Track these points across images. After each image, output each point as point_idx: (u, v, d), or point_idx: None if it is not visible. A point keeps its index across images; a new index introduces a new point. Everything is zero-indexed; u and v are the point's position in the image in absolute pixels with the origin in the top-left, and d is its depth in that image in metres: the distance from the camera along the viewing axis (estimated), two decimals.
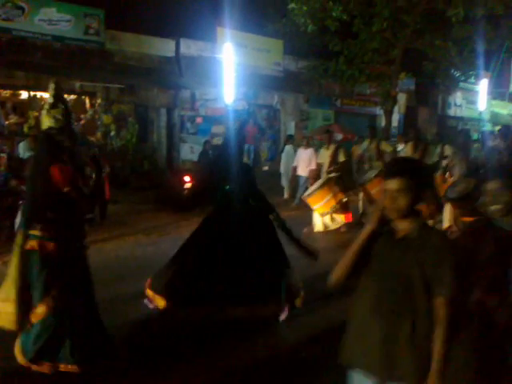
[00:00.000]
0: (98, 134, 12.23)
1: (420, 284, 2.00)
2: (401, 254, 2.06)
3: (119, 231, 8.07)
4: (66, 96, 12.33)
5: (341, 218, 8.09)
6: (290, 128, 15.67)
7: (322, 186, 7.86)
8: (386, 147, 8.60)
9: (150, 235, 8.04)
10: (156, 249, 7.17)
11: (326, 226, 8.11)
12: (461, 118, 21.25)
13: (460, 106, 21.10)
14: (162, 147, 13.21)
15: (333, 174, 8.13)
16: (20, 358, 3.45)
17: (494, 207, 2.31)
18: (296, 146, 12.08)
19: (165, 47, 13.20)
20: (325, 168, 8.47)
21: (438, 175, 7.71)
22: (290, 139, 12.25)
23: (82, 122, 12.34)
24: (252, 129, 14.86)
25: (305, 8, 11.75)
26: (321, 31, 12.69)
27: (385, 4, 11.58)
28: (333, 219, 8.10)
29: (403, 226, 2.07)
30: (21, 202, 7.59)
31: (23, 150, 9.59)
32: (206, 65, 13.22)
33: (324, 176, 8.31)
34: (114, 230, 7.97)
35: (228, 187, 4.67)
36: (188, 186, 10.72)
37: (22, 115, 11.73)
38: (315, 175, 9.23)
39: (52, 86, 3.48)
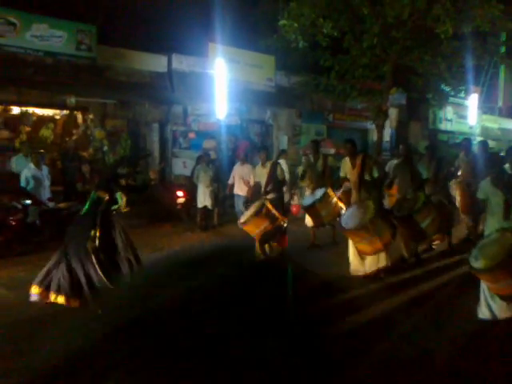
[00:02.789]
0: (90, 150, 12.19)
1: None
2: None
3: None
4: (58, 111, 12.45)
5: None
6: (283, 143, 15.72)
7: (257, 213, 6.96)
8: (333, 163, 8.05)
9: (142, 250, 7.98)
10: (148, 264, 7.11)
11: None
12: (451, 132, 21.43)
13: (451, 120, 21.30)
14: (155, 162, 13.19)
15: (270, 196, 7.40)
16: None
17: None
18: (289, 161, 12.14)
19: (157, 63, 13.26)
20: (262, 188, 7.65)
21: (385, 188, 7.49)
22: (282, 153, 12.29)
23: (74, 137, 12.32)
24: (244, 144, 14.89)
25: (296, 24, 11.85)
26: (312, 47, 12.80)
27: (374, 21, 11.73)
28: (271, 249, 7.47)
29: None
30: (11, 218, 7.55)
31: (16, 164, 9.52)
32: (198, 80, 13.28)
33: (262, 197, 7.47)
34: None
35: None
36: (181, 200, 10.71)
37: (14, 130, 11.68)
38: (253, 193, 8.59)
39: None
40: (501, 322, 4.45)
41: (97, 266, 4.83)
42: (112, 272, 4.97)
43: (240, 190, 9.56)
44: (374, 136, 16.22)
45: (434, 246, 7.86)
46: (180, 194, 10.72)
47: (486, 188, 4.90)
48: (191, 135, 13.82)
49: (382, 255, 6.16)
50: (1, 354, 4.00)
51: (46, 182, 8.86)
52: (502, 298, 4.20)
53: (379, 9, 11.55)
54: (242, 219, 7.24)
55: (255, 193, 8.37)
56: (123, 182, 5.26)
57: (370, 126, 16.44)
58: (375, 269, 6.23)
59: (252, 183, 9.23)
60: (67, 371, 3.73)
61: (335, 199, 7.26)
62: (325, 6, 11.72)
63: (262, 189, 7.59)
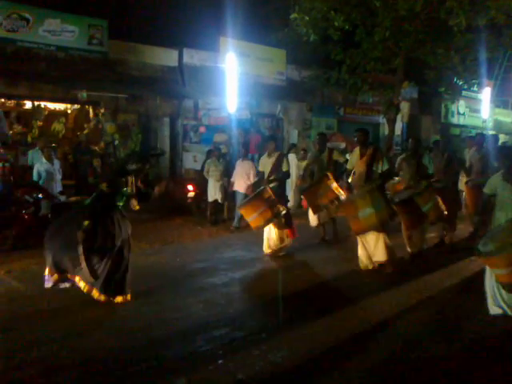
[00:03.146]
0: (102, 144, 12.27)
1: None
2: None
3: None
4: (69, 106, 12.52)
5: (284, 237, 7.20)
6: (293, 137, 15.69)
7: (255, 196, 6.96)
8: (338, 157, 7.85)
9: (153, 244, 8.05)
10: (159, 258, 7.17)
11: (270, 247, 7.22)
12: (464, 126, 21.22)
13: (463, 114, 21.08)
14: (165, 156, 13.24)
15: (272, 184, 7.19)
16: None
17: None
18: (299, 155, 12.10)
19: (168, 57, 13.28)
20: (265, 177, 7.48)
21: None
22: (292, 148, 12.27)
23: (86, 131, 12.41)
24: (255, 138, 14.88)
25: (307, 18, 11.79)
26: (323, 41, 12.73)
27: (386, 14, 11.62)
28: (279, 239, 7.18)
29: None
30: (24, 211, 7.64)
31: (33, 158, 9.58)
32: (209, 74, 13.28)
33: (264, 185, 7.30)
34: None
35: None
36: (191, 194, 10.75)
37: (26, 125, 11.80)
38: (255, 185, 8.52)
39: None
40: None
41: (82, 257, 4.78)
42: (97, 266, 4.87)
43: (239, 187, 9.37)
44: (385, 130, 16.13)
45: (446, 241, 7.79)
46: (190, 188, 10.75)
47: (495, 183, 4.80)
48: (202, 129, 13.84)
49: (384, 248, 6.10)
50: (13, 347, 4.06)
51: (58, 176, 8.94)
52: (510, 288, 4.11)
53: (392, 1, 11.43)
54: (243, 201, 7.21)
55: (257, 184, 8.24)
56: (132, 179, 5.17)
57: (382, 120, 16.36)
58: (381, 261, 6.20)
59: (252, 180, 9.09)
60: (79, 362, 3.78)
61: (335, 184, 7.07)
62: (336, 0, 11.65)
63: (265, 178, 7.43)
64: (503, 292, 4.34)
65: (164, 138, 13.33)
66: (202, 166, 10.71)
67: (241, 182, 9.34)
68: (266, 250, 7.28)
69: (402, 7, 11.18)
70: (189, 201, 10.77)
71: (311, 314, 4.86)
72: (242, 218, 8.28)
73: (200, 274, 6.28)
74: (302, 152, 11.80)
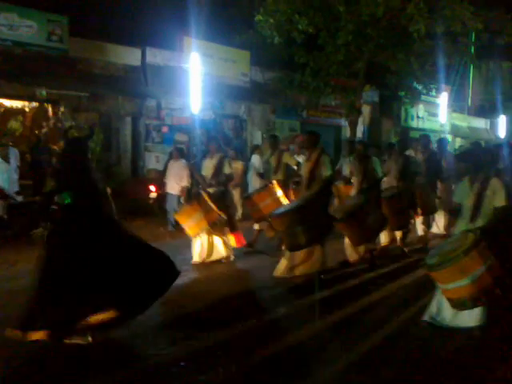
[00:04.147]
0: (61, 143, 11.95)
1: None
2: None
3: None
4: (27, 103, 12.08)
5: (223, 247, 6.81)
6: (257, 138, 15.73)
7: (192, 202, 6.64)
8: (289, 160, 7.48)
9: None
10: None
11: (202, 256, 6.80)
12: (423, 130, 21.78)
13: (422, 118, 21.66)
14: (127, 156, 13.03)
15: (212, 189, 6.79)
16: None
17: None
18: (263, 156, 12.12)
19: (130, 56, 13.09)
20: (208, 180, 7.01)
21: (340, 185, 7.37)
22: (256, 149, 12.28)
23: (44, 130, 12.07)
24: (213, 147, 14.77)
25: (271, 20, 11.89)
26: (287, 43, 12.85)
27: (349, 18, 11.84)
28: (216, 247, 6.80)
29: None
30: None
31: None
32: (172, 74, 13.16)
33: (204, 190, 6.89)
34: None
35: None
36: (153, 195, 10.60)
37: None
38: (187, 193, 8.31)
39: None
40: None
41: None
42: None
43: (172, 189, 9.17)
44: (347, 133, 16.37)
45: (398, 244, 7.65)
46: (152, 188, 10.61)
47: (462, 190, 4.65)
48: (164, 129, 13.71)
49: (316, 258, 5.89)
50: None
51: (14, 176, 8.66)
52: (453, 303, 3.95)
53: (354, 7, 11.66)
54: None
55: (196, 187, 7.75)
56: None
57: (344, 122, 16.61)
58: (309, 272, 5.92)
59: (185, 183, 8.89)
60: (41, 363, 3.68)
61: (280, 193, 6.89)
62: (301, 3, 11.79)
63: (207, 181, 6.91)
64: (444, 303, 4.19)
65: (126, 137, 13.11)
66: (164, 167, 10.58)
67: (173, 184, 9.15)
68: (196, 258, 6.87)
69: (365, 12, 11.43)
70: (151, 201, 10.62)
71: (277, 315, 4.87)
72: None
73: None
74: (232, 152, 11.55)
